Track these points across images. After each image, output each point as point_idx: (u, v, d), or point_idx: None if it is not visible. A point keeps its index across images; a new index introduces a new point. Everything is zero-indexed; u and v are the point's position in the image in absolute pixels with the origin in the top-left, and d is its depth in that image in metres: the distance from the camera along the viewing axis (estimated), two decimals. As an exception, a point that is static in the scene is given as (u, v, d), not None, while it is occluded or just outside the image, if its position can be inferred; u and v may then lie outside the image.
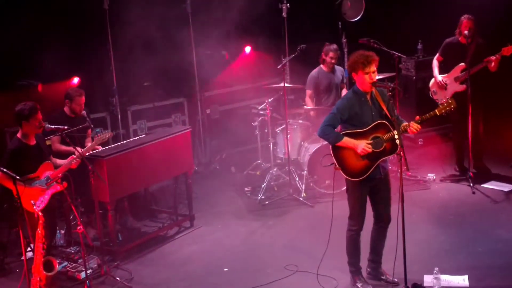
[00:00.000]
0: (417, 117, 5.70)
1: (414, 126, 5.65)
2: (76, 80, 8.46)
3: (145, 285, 6.50)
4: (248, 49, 10.29)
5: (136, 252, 7.13)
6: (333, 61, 8.62)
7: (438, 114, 5.73)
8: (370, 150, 5.64)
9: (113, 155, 6.86)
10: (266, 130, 8.90)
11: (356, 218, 5.85)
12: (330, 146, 5.79)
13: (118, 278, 6.52)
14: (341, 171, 5.76)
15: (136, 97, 9.50)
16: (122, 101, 9.27)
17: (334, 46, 8.63)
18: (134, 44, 8.82)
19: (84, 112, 7.33)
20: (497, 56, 7.81)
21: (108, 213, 6.86)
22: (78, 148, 6.50)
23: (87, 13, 8.74)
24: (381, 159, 5.71)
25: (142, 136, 7.83)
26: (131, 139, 7.68)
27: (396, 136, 5.55)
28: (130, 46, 8.84)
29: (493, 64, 7.85)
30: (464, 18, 8.07)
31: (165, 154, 7.37)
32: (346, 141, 5.69)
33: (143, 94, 9.53)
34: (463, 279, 5.94)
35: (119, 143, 7.44)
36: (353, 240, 5.93)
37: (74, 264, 6.71)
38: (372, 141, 5.68)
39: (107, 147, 7.19)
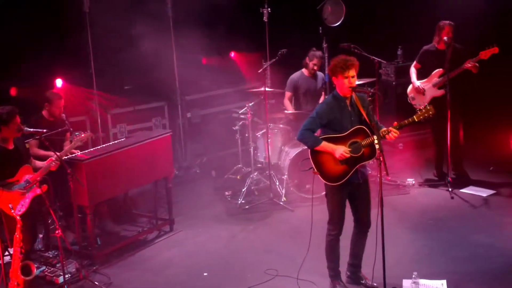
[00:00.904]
0: (395, 123, 5.73)
1: (394, 132, 5.67)
2: (59, 82, 8.41)
3: (124, 289, 6.48)
4: (231, 54, 10.29)
5: (115, 256, 7.08)
6: (315, 67, 8.71)
7: (416, 120, 5.74)
8: (348, 155, 5.66)
9: (93, 158, 6.81)
10: (246, 135, 8.91)
11: (335, 223, 5.86)
12: (309, 150, 5.81)
13: (96, 283, 6.47)
14: (319, 176, 5.78)
15: (116, 101, 9.44)
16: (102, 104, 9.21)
17: (320, 53, 8.71)
18: (115, 47, 8.77)
19: (63, 115, 7.27)
20: (474, 59, 7.88)
21: (87, 217, 6.80)
22: (56, 153, 6.45)
23: (67, 16, 8.67)
24: (360, 164, 5.73)
25: (122, 139, 7.78)
26: (111, 143, 7.64)
27: (376, 141, 5.57)
28: (110, 49, 8.79)
29: (473, 69, 7.93)
30: (446, 24, 8.14)
31: (145, 158, 7.34)
32: (325, 145, 5.70)
33: (123, 97, 9.48)
34: (442, 284, 5.98)
35: (99, 147, 7.39)
36: (332, 244, 5.94)
37: (52, 269, 6.64)
38: (350, 146, 5.70)
39: (86, 151, 7.14)
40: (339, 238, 5.92)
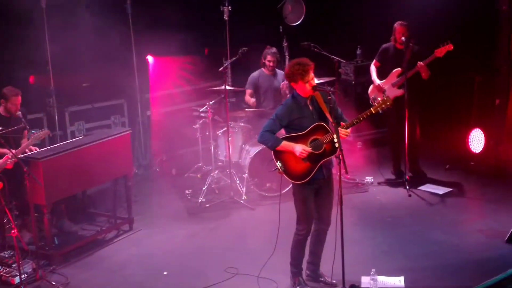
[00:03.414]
0: (342, 123, 5.74)
1: (342, 132, 5.67)
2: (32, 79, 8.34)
3: (82, 289, 6.40)
4: (204, 51, 10.29)
5: (73, 256, 6.99)
6: (271, 63, 8.71)
7: (374, 112, 5.74)
8: (307, 153, 5.69)
9: (50, 157, 6.71)
10: (207, 133, 8.88)
11: (304, 222, 5.86)
12: (272, 151, 5.83)
13: (54, 283, 6.38)
14: (284, 175, 5.79)
15: (74, 98, 9.30)
16: (59, 102, 9.07)
17: (273, 49, 8.72)
18: (73, 43, 8.65)
19: (19, 112, 7.13)
20: (429, 58, 7.99)
21: (44, 216, 6.70)
22: (12, 150, 6.34)
23: (23, 12, 8.50)
24: (323, 160, 5.77)
25: (80, 137, 7.68)
26: (69, 141, 7.53)
27: (336, 139, 5.60)
28: (68, 45, 8.66)
29: (423, 70, 8.02)
30: (397, 24, 8.25)
31: (104, 157, 7.26)
32: (285, 144, 5.73)
33: (81, 95, 9.35)
34: (399, 280, 6.07)
35: (56, 145, 7.28)
36: (300, 243, 5.96)
37: (8, 269, 6.51)
38: (311, 143, 5.73)
39: (43, 149, 7.02)
40: (307, 238, 5.95)
